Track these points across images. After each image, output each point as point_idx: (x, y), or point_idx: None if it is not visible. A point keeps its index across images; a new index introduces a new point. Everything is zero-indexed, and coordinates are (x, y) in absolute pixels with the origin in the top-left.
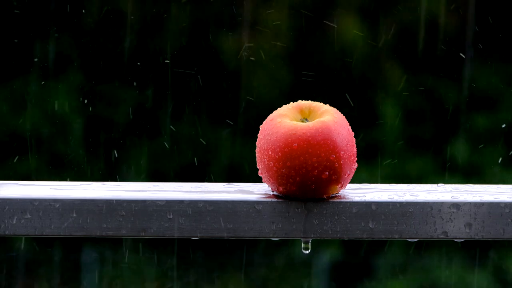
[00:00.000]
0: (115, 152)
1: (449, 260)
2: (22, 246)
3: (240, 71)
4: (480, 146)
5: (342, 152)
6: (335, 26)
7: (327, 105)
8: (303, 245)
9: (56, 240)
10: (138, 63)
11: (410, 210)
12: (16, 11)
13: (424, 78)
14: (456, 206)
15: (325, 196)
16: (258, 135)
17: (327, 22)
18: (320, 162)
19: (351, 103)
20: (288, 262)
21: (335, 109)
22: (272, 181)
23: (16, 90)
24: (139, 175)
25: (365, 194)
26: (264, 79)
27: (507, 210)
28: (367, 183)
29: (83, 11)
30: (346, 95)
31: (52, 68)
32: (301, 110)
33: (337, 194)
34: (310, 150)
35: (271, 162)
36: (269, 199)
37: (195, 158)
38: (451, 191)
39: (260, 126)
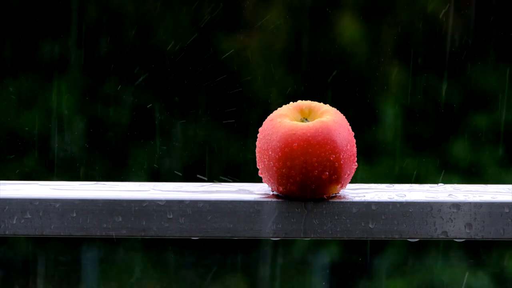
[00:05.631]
0: (115, 152)
1: (449, 260)
2: (22, 246)
3: (240, 71)
4: (480, 146)
5: (342, 152)
6: (335, 25)
7: (327, 105)
8: None
9: (56, 240)
10: (139, 63)
11: (410, 210)
12: (16, 10)
13: (424, 77)
14: (456, 206)
15: (325, 196)
16: (258, 135)
17: (327, 22)
18: (320, 162)
19: (351, 103)
20: (288, 262)
21: (335, 109)
22: (272, 181)
23: (16, 90)
24: (139, 175)
25: (365, 194)
26: (264, 79)
27: (507, 210)
28: (367, 183)
29: (84, 10)
30: (346, 95)
31: (52, 67)
32: (301, 110)
33: (337, 194)
34: (310, 150)
35: (271, 162)
36: (269, 199)
37: (195, 158)
38: (451, 191)
39: (260, 126)
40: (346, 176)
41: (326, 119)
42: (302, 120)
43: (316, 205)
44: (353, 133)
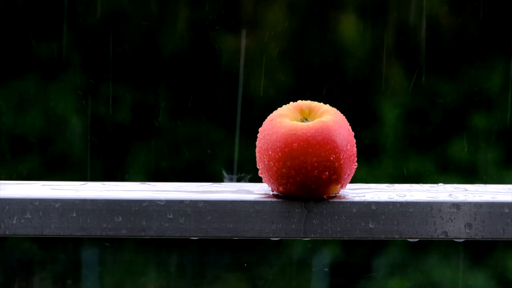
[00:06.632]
0: (115, 152)
1: (449, 260)
2: (22, 246)
3: (240, 71)
4: (480, 146)
5: (342, 152)
6: (335, 25)
7: (327, 105)
8: None
9: (56, 240)
10: (138, 63)
11: (410, 210)
12: (16, 10)
13: (424, 77)
14: (456, 206)
15: (325, 196)
16: (258, 135)
17: (327, 22)
18: (320, 162)
19: (351, 103)
20: (288, 262)
21: (335, 109)
22: (272, 181)
23: (16, 90)
24: (139, 175)
25: (365, 194)
26: (264, 79)
27: (507, 210)
28: (367, 183)
29: (83, 10)
30: (346, 95)
31: (52, 67)
32: (301, 110)
33: (337, 194)
34: (310, 150)
35: (271, 162)
36: (269, 199)
37: (195, 158)
38: (451, 191)
39: (260, 126)
40: (346, 176)
41: (326, 119)
42: (302, 120)
43: (316, 205)
44: (353, 133)
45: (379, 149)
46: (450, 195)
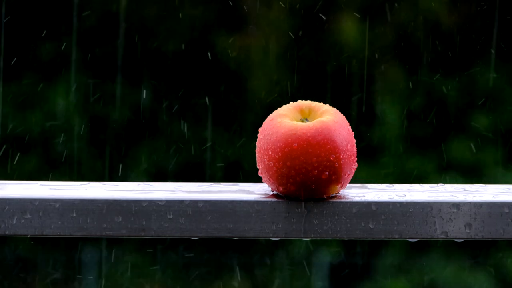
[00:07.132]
0: (115, 151)
1: (449, 260)
2: (22, 246)
3: (240, 71)
4: (480, 146)
5: (342, 152)
6: (335, 25)
7: (327, 105)
8: None
9: (56, 240)
10: (138, 63)
11: (410, 210)
12: (16, 10)
13: (424, 77)
14: (456, 206)
15: (325, 196)
16: (258, 135)
17: (327, 22)
18: (320, 162)
19: (351, 103)
20: (288, 262)
21: (335, 109)
22: (272, 181)
23: (16, 90)
24: (139, 175)
25: (365, 194)
26: (264, 79)
27: (507, 210)
28: (367, 183)
29: (83, 10)
30: (346, 95)
31: (52, 67)
32: (301, 110)
33: (337, 194)
34: (310, 150)
35: (271, 162)
36: (269, 199)
37: (195, 158)
38: (451, 191)
39: (260, 126)
40: (346, 176)
41: (326, 119)
42: (302, 120)
43: (316, 205)
44: (353, 133)
45: (379, 149)
46: (450, 195)
